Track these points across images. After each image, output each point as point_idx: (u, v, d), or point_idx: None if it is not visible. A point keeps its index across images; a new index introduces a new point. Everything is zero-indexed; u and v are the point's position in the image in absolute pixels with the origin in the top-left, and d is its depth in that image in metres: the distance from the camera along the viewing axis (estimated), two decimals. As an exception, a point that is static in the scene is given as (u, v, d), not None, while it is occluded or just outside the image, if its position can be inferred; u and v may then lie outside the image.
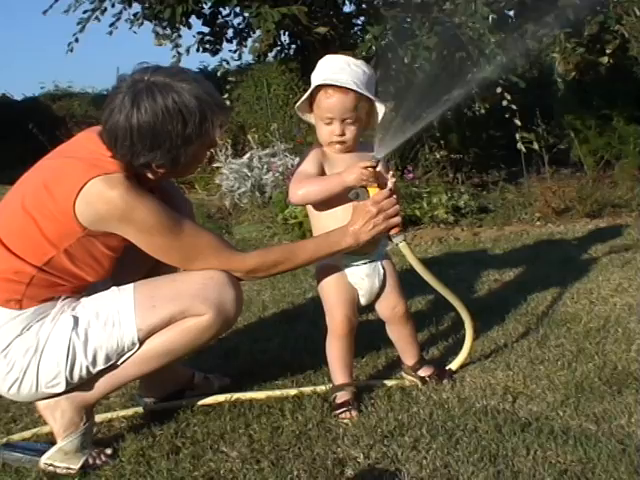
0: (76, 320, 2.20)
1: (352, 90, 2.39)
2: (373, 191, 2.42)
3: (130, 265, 2.36)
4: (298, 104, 2.49)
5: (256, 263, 2.38)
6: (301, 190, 2.44)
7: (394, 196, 2.43)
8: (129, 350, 2.22)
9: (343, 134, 2.44)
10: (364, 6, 6.44)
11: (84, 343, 2.18)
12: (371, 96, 2.44)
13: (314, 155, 2.50)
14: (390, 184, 2.44)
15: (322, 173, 2.48)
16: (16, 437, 2.46)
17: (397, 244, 2.48)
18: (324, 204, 2.49)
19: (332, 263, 2.54)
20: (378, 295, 2.61)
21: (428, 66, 5.91)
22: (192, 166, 2.39)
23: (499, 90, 5.91)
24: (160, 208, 2.20)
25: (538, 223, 5.77)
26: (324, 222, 2.52)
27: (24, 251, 2.16)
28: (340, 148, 2.48)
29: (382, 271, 2.59)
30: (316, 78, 2.42)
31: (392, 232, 2.46)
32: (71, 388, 2.23)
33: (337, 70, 2.40)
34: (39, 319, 2.19)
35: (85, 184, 2.10)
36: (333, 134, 2.45)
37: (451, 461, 2.09)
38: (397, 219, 2.43)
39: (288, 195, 2.52)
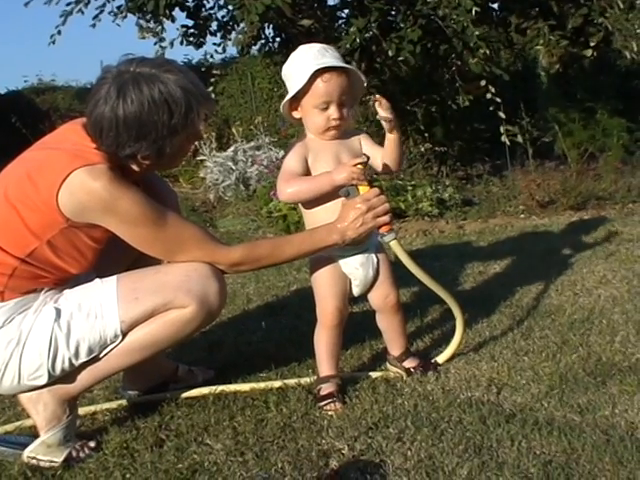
0: (58, 312, 2.18)
1: (346, 70, 2.41)
2: (364, 189, 2.41)
3: (113, 257, 2.34)
4: (289, 97, 2.45)
5: (241, 256, 2.36)
6: (290, 189, 2.45)
7: (383, 195, 2.43)
8: (112, 342, 2.20)
9: (342, 116, 2.44)
10: (348, -1, 6.43)
11: (66, 335, 2.16)
12: (360, 73, 2.48)
13: (298, 150, 2.49)
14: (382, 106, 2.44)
15: (307, 167, 2.47)
16: (-1, 430, 2.45)
17: (388, 242, 2.47)
18: (315, 200, 2.49)
19: (326, 255, 2.53)
20: (372, 285, 2.61)
21: (412, 59, 5.91)
22: (177, 158, 2.38)
23: (483, 83, 5.92)
24: (144, 199, 2.18)
25: (522, 216, 5.80)
26: (316, 215, 2.51)
27: (6, 242, 2.14)
28: (335, 133, 2.48)
29: (376, 260, 2.58)
30: (305, 68, 2.39)
31: (381, 230, 2.44)
32: (54, 381, 2.21)
33: (319, 56, 2.40)
34: (21, 311, 2.17)
35: (68, 175, 2.08)
36: (331, 119, 2.43)
37: (436, 452, 2.09)
38: (386, 217, 2.42)
39: (277, 191, 2.52)
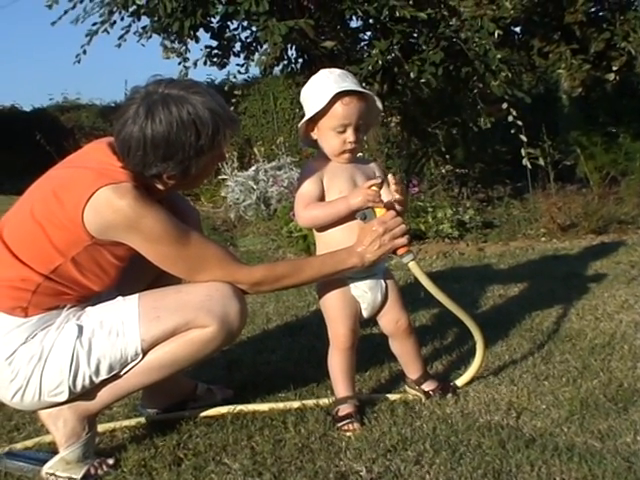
0: (80, 329, 2.19)
1: (365, 95, 2.44)
2: (380, 212, 2.42)
3: (135, 275, 2.36)
4: (308, 118, 2.47)
5: (261, 276, 2.37)
6: (308, 215, 2.49)
7: (399, 217, 2.44)
8: (132, 360, 2.21)
9: (357, 140, 2.45)
10: (371, 21, 6.45)
11: (88, 352, 2.18)
12: (378, 100, 2.50)
13: (313, 171, 2.51)
14: (393, 187, 2.46)
15: (322, 189, 2.49)
16: (19, 446, 2.45)
17: (406, 263, 2.48)
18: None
19: (334, 277, 2.53)
20: (380, 309, 2.60)
21: (434, 81, 5.93)
22: (201, 178, 2.42)
23: (505, 106, 5.92)
24: (167, 218, 2.20)
25: (543, 239, 5.77)
26: (328, 237, 2.52)
27: (31, 259, 2.17)
28: (350, 157, 2.49)
29: (384, 285, 2.58)
30: (326, 90, 2.40)
31: (399, 252, 2.45)
32: (74, 397, 2.23)
33: (340, 80, 2.43)
34: (44, 327, 2.19)
35: (94, 193, 2.10)
36: (346, 142, 2.45)
37: (454, 476, 2.08)
38: (403, 239, 2.43)
39: (295, 215, 2.55)
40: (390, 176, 2.50)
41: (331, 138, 2.47)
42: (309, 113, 2.46)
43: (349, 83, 2.43)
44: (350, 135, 2.44)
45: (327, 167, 2.51)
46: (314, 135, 2.52)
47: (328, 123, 2.45)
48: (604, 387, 2.65)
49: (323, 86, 2.43)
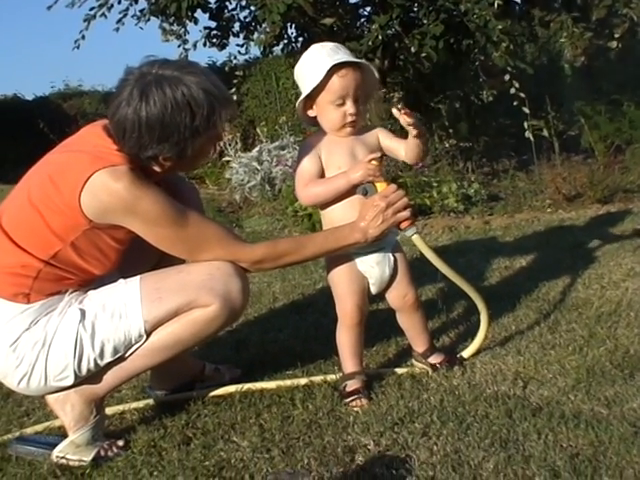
0: (83, 313, 2.20)
1: (360, 65, 2.43)
2: (381, 186, 2.41)
3: (137, 258, 2.36)
4: (305, 95, 2.45)
5: (263, 254, 2.37)
6: (308, 193, 2.48)
7: (401, 190, 2.43)
8: (136, 342, 2.22)
9: (357, 112, 2.44)
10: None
11: (91, 336, 2.19)
12: (373, 68, 2.48)
13: (310, 148, 2.50)
14: (400, 118, 2.41)
15: (321, 164, 2.47)
16: (29, 431, 2.47)
17: (410, 237, 2.47)
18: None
19: (342, 252, 2.53)
20: (389, 284, 2.60)
21: (435, 55, 5.89)
22: (198, 159, 2.39)
23: (507, 77, 5.88)
24: (165, 199, 2.20)
25: (549, 210, 5.75)
26: (332, 213, 2.51)
27: (31, 245, 2.17)
28: (351, 130, 2.48)
29: (392, 259, 2.57)
30: (320, 65, 2.38)
31: (403, 225, 2.44)
32: (80, 381, 2.24)
33: (333, 53, 2.41)
34: (47, 313, 2.19)
35: (90, 176, 2.10)
36: (347, 114, 2.43)
37: (462, 447, 2.09)
38: (406, 213, 2.42)
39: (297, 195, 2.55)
40: (394, 110, 2.44)
41: (330, 112, 2.45)
42: (306, 90, 2.44)
43: (342, 54, 2.41)
44: (350, 107, 2.42)
45: (324, 142, 2.49)
46: (312, 112, 2.50)
47: (326, 97, 2.43)
48: (610, 354, 2.65)
49: (317, 61, 2.41)
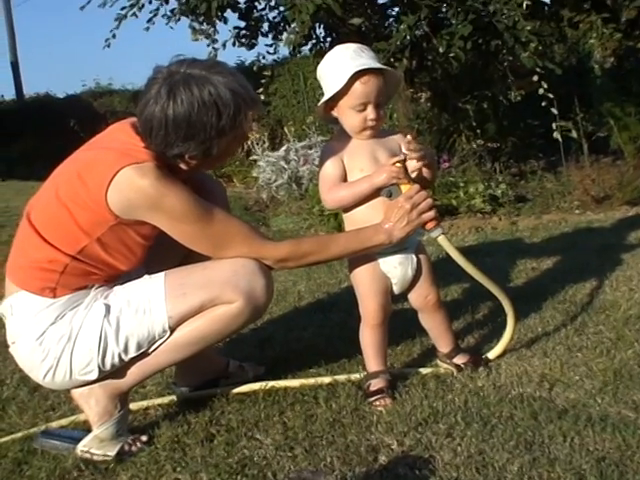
0: (108, 308, 2.22)
1: (383, 72, 2.41)
2: (405, 187, 2.41)
3: (163, 254, 2.37)
4: (329, 96, 2.44)
5: (287, 252, 2.37)
6: (333, 197, 2.49)
7: (426, 190, 2.42)
8: (160, 338, 2.23)
9: (378, 117, 2.43)
10: (398, -4, 6.39)
11: (116, 331, 2.20)
12: (395, 71, 2.51)
13: (332, 152, 2.50)
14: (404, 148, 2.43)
15: (344, 168, 2.47)
16: (54, 425, 2.49)
17: (435, 237, 2.46)
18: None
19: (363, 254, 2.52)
20: (412, 284, 2.59)
21: (463, 55, 5.86)
22: (224, 158, 2.41)
23: (535, 78, 5.83)
24: (190, 196, 2.21)
25: (577, 211, 5.71)
26: (354, 216, 2.51)
27: (58, 240, 2.19)
28: (372, 133, 2.46)
29: (415, 260, 2.56)
30: (343, 69, 2.37)
31: (428, 226, 2.44)
32: (104, 376, 2.26)
33: (356, 57, 2.39)
34: (72, 307, 2.21)
35: (117, 173, 2.12)
36: (367, 119, 2.42)
37: (486, 448, 2.07)
38: (431, 213, 2.41)
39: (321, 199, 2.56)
40: (399, 136, 2.47)
41: (351, 116, 2.44)
42: (328, 93, 2.43)
43: (366, 59, 2.38)
44: (371, 112, 2.41)
45: (346, 146, 2.49)
46: (334, 113, 2.49)
47: (347, 102, 2.42)
48: (638, 357, 2.62)
49: (340, 64, 2.39)
